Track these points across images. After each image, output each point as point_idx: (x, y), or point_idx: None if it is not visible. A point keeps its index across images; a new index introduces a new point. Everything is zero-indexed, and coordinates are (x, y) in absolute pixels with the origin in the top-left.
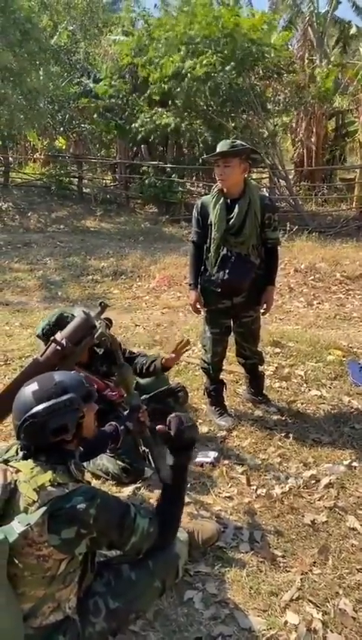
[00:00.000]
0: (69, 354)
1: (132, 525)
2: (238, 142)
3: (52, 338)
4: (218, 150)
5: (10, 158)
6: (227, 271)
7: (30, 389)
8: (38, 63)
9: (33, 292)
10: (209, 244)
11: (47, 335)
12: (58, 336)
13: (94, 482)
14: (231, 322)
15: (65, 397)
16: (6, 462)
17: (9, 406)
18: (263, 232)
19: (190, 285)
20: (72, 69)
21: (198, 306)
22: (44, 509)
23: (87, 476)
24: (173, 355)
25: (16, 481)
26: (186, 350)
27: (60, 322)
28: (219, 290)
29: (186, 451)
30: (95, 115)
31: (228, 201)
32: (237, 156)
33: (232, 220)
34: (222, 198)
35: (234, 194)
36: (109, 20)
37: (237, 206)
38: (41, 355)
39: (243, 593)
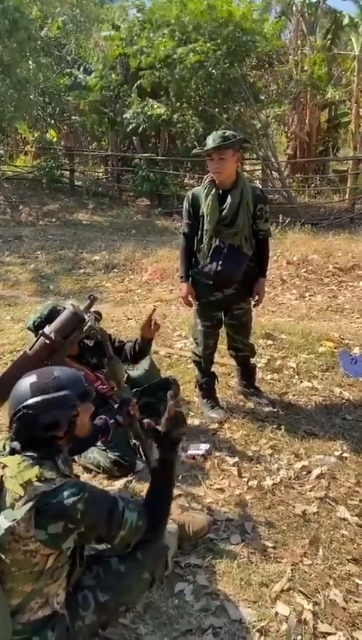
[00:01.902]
0: (58, 347)
1: (120, 519)
2: (229, 132)
3: (40, 332)
4: (209, 143)
5: (0, 151)
6: (220, 262)
7: (28, 380)
8: (27, 53)
9: (24, 286)
10: (200, 235)
11: (38, 328)
12: (47, 329)
13: (85, 476)
14: (223, 315)
15: (60, 393)
16: None
17: None
18: (254, 224)
19: (181, 278)
20: (63, 61)
21: (190, 299)
22: (30, 504)
23: (78, 470)
24: (146, 324)
25: (2, 476)
26: (154, 311)
27: (52, 316)
28: (211, 282)
29: (173, 447)
30: (86, 108)
31: (220, 191)
32: (231, 147)
33: (225, 211)
34: (214, 189)
35: (227, 185)
36: (101, 12)
37: (229, 197)
38: (30, 349)
39: (233, 585)
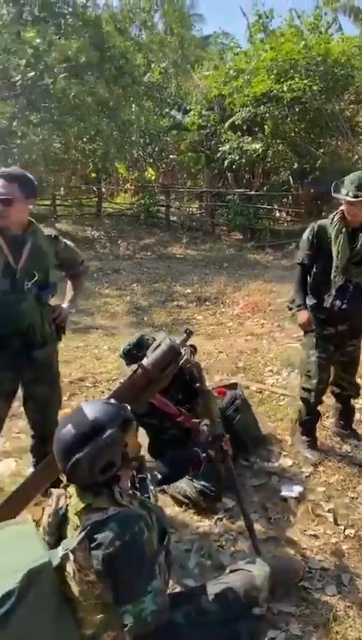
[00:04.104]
0: (155, 379)
1: (138, 595)
2: None
3: (139, 363)
4: (354, 187)
5: (102, 189)
6: (345, 300)
7: (67, 432)
8: (131, 97)
9: (121, 317)
10: (319, 269)
11: (127, 356)
12: (145, 361)
13: (175, 509)
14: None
15: (104, 435)
16: (66, 487)
17: None
18: None
19: (298, 306)
20: (163, 104)
21: (310, 326)
22: (83, 534)
23: (167, 500)
24: None
25: (67, 506)
26: None
27: (140, 344)
28: (325, 317)
29: None
30: (183, 147)
31: (350, 229)
32: None
33: (356, 249)
34: (345, 227)
35: (357, 224)
36: (200, 55)
37: (361, 236)
38: (129, 379)
39: (329, 638)
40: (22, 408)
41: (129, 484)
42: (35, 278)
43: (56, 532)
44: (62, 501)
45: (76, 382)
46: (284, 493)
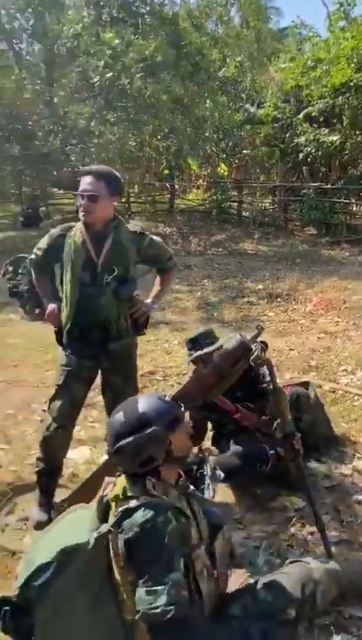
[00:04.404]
0: (225, 375)
1: (153, 583)
2: None
3: (210, 359)
4: None
5: (175, 186)
6: None
7: (118, 419)
8: (206, 93)
9: (191, 312)
10: None
11: (193, 342)
12: (215, 357)
13: (243, 506)
14: None
15: (148, 431)
16: (119, 475)
17: None
18: None
19: None
20: (237, 98)
21: None
22: (114, 520)
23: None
24: None
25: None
26: None
27: (200, 338)
28: None
29: None
30: (257, 141)
31: None
32: None
33: None
34: None
35: None
36: (277, 48)
37: None
38: (196, 374)
39: None
40: (97, 399)
41: (173, 480)
42: (115, 273)
43: (102, 517)
44: (109, 489)
45: (147, 375)
46: (358, 496)
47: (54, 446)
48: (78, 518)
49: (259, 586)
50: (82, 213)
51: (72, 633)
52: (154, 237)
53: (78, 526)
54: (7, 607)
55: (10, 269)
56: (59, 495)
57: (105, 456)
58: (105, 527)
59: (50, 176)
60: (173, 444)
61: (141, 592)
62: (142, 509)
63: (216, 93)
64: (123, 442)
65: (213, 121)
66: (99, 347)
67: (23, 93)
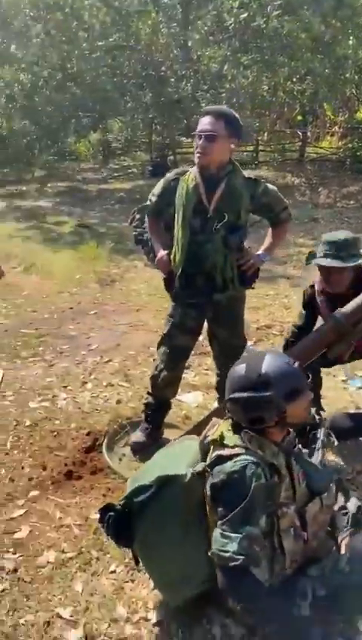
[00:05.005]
0: (346, 333)
1: (230, 528)
2: None
3: (331, 315)
4: None
5: (308, 133)
6: None
7: (238, 371)
8: (349, 30)
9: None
10: None
11: (327, 250)
12: (337, 313)
13: None
14: None
15: (264, 394)
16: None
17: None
18: None
19: None
20: None
21: None
22: (208, 462)
23: None
24: None
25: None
26: None
27: (343, 245)
28: None
29: None
30: None
31: None
32: None
33: None
34: None
35: None
36: None
37: None
38: (317, 331)
39: None
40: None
41: (279, 439)
42: (225, 220)
43: (203, 457)
44: (212, 431)
45: (263, 328)
46: None
47: (161, 386)
48: (184, 449)
49: (343, 555)
50: (198, 155)
51: (164, 551)
52: (270, 185)
53: (182, 457)
54: (112, 514)
55: (138, 216)
56: (171, 435)
57: (216, 404)
58: (200, 467)
59: (180, 123)
60: (289, 412)
61: (217, 533)
62: (234, 460)
63: (361, 29)
64: (237, 395)
65: (355, 61)
66: (205, 296)
67: (159, 38)
